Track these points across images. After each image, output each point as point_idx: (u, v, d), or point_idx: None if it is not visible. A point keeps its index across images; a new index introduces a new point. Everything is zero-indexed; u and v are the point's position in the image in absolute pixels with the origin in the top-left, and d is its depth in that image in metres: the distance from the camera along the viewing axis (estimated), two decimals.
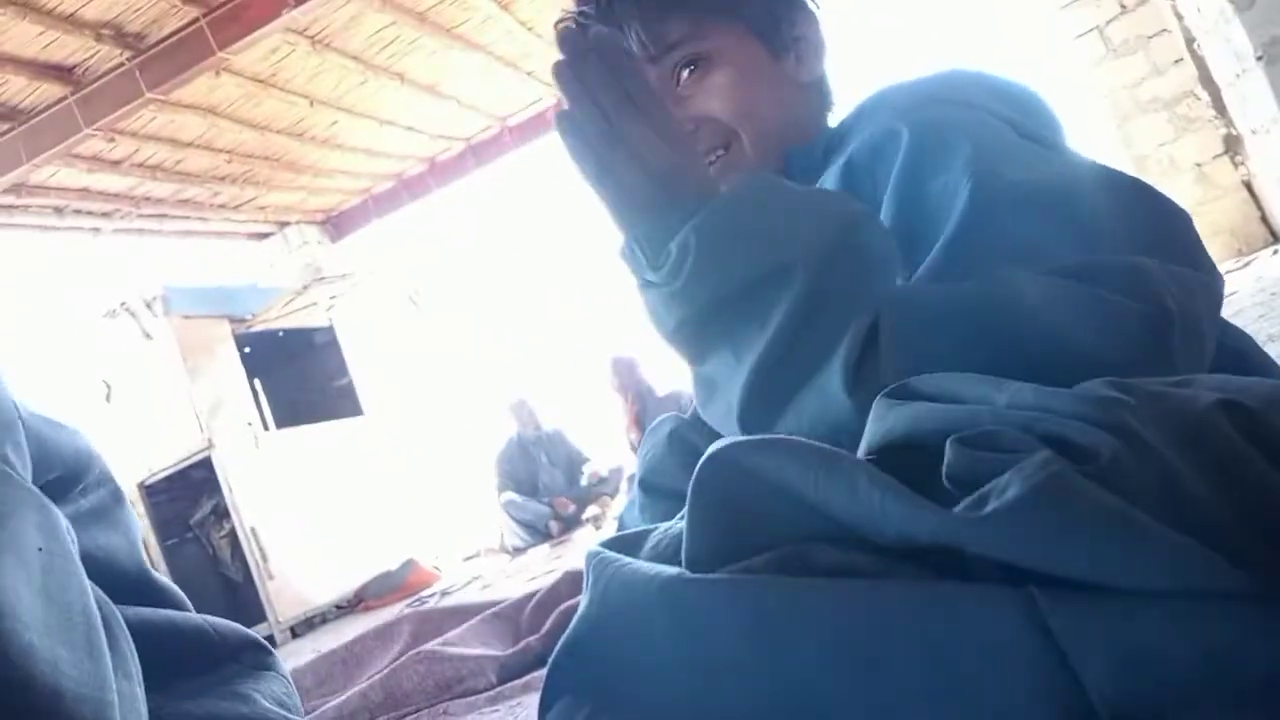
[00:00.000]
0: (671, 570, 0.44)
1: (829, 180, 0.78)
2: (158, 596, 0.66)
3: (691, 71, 0.86)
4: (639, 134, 0.66)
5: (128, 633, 0.50)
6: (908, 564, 0.40)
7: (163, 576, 0.68)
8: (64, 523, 0.49)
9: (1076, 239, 0.63)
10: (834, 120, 0.93)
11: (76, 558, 0.48)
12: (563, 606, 2.06)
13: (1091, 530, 0.35)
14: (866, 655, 0.38)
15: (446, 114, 5.47)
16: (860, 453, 0.51)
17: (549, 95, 5.66)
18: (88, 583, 0.48)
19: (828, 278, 0.61)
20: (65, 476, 0.62)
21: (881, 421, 0.50)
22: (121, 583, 0.64)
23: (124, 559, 0.65)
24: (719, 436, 1.04)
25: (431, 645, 2.03)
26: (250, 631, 0.73)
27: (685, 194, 0.67)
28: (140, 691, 0.49)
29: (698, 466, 0.48)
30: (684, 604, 0.42)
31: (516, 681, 1.85)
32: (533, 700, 1.82)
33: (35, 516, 0.47)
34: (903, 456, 0.46)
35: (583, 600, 0.49)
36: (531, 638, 2.01)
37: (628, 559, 0.48)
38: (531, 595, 2.31)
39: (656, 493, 1.05)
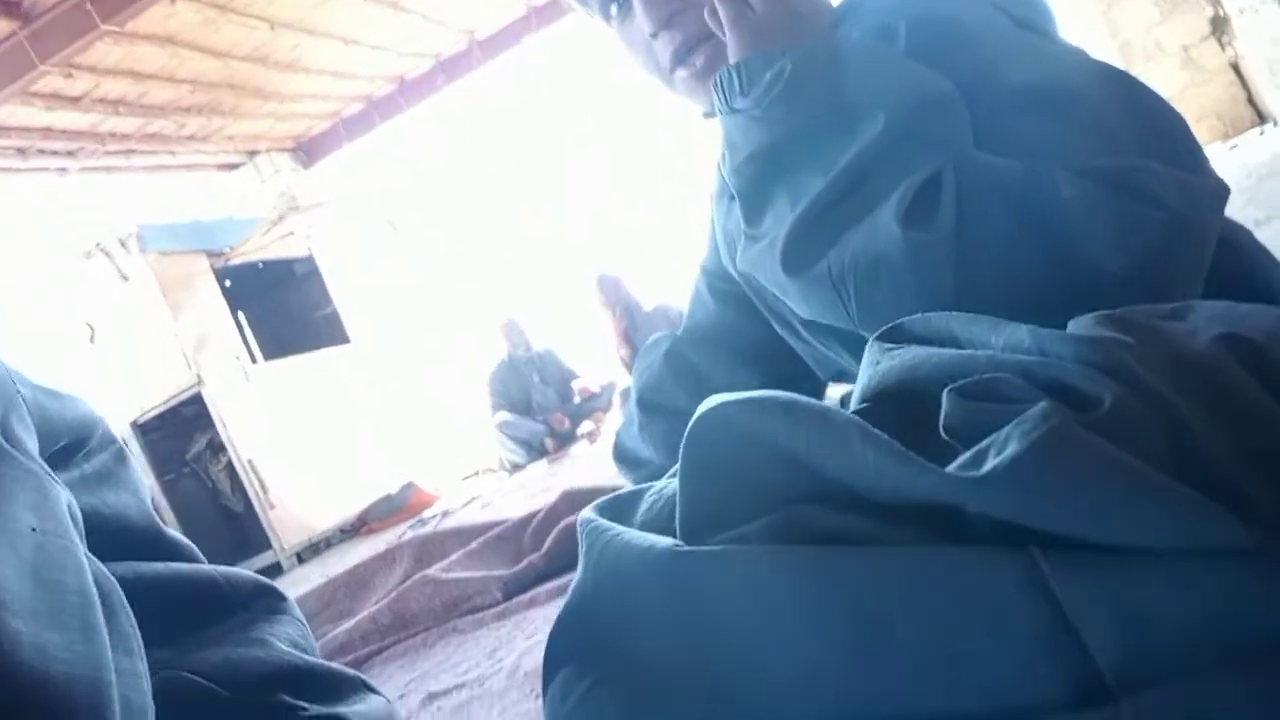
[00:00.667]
0: (665, 542, 0.43)
1: None
2: (170, 551, 0.68)
3: None
4: None
5: (128, 608, 0.50)
6: (905, 525, 0.39)
7: (173, 531, 0.69)
8: (65, 498, 0.49)
9: (1083, 142, 0.63)
10: None
11: (75, 535, 0.48)
12: (562, 524, 2.10)
13: (1094, 488, 0.34)
14: (866, 624, 0.37)
15: (413, 29, 5.30)
16: (855, 399, 0.51)
17: (518, 6, 5.48)
18: (85, 560, 0.48)
19: (907, 128, 0.62)
20: (70, 444, 0.63)
21: (875, 366, 0.50)
22: (133, 539, 0.65)
23: (134, 516, 0.66)
24: (719, 354, 1.05)
25: (436, 570, 2.08)
26: (263, 578, 0.75)
27: (798, 31, 0.69)
28: (143, 666, 0.49)
29: (689, 426, 0.47)
30: (678, 577, 0.42)
31: (521, 597, 1.89)
32: (538, 614, 1.87)
33: (31, 496, 0.47)
34: (898, 404, 0.46)
35: (579, 569, 0.48)
36: (534, 555, 2.05)
37: (620, 528, 0.47)
38: (532, 516, 2.35)
39: (655, 410, 1.07)
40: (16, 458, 0.47)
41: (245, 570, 0.73)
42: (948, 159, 0.60)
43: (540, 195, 7.59)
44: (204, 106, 5.23)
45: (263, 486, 5.05)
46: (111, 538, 0.62)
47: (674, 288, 6.08)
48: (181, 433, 5.38)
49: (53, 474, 0.50)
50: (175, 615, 0.61)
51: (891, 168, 0.61)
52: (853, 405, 0.50)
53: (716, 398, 0.48)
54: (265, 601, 0.71)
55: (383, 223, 6.62)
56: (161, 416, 5.16)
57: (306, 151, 6.38)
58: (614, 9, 0.85)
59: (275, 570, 5.01)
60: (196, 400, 5.04)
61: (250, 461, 5.07)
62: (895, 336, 0.52)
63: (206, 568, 0.69)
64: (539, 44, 5.77)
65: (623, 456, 1.10)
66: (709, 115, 0.90)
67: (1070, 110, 0.65)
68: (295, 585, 4.31)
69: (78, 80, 4.39)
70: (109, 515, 0.63)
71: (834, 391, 1.14)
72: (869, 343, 0.53)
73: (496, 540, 2.31)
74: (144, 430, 5.16)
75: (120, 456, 0.67)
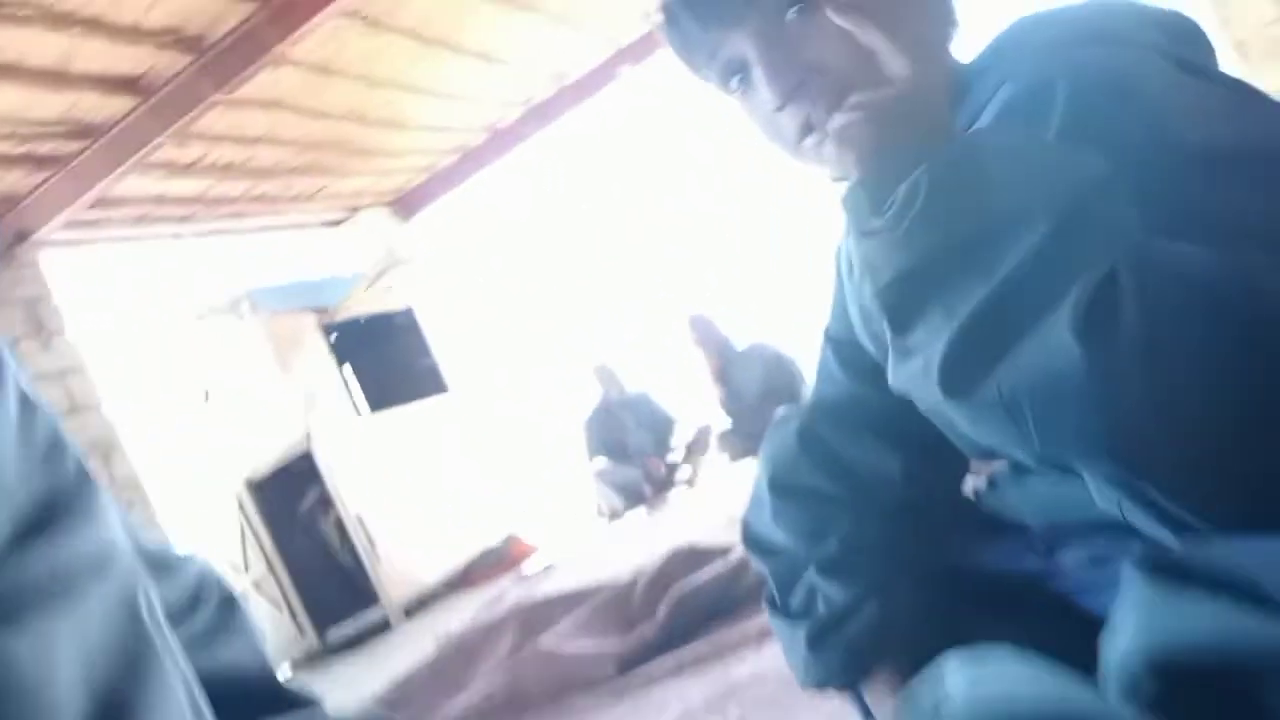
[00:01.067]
0: None
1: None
2: (289, 700, 0.63)
3: (799, 11, 0.76)
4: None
5: None
6: None
7: (292, 682, 0.65)
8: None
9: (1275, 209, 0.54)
10: (963, 55, 0.82)
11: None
12: (675, 591, 2.02)
13: None
14: None
15: (503, 78, 5.38)
16: (1137, 661, 0.42)
17: (606, 49, 5.52)
18: None
19: (1070, 226, 0.55)
20: (184, 603, 0.59)
21: (1161, 617, 0.41)
22: (249, 690, 0.61)
23: (249, 666, 0.62)
24: (856, 432, 0.97)
25: (546, 644, 2.02)
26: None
27: (915, 137, 0.63)
28: None
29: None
30: None
31: (638, 673, 1.82)
32: (655, 693, 1.78)
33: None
34: (1200, 688, 0.38)
35: None
36: (646, 626, 1.97)
37: None
38: (638, 577, 2.28)
39: (789, 494, 0.99)
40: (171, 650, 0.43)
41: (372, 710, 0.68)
42: (1123, 254, 0.52)
43: (631, 236, 7.61)
44: (308, 167, 5.39)
45: (370, 541, 5.11)
46: (226, 691, 0.57)
47: (768, 325, 5.98)
48: (293, 489, 5.50)
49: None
50: None
51: (1059, 271, 0.54)
52: (1138, 669, 0.40)
53: (951, 670, 0.41)
54: None
55: (477, 272, 6.72)
56: (274, 474, 5.29)
57: (405, 205, 6.53)
58: (734, 82, 0.82)
59: (384, 626, 5.05)
60: (307, 456, 5.15)
61: (359, 516, 5.14)
62: (1176, 569, 0.43)
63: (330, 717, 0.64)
64: (628, 84, 5.78)
65: (755, 542, 1.03)
66: (839, 179, 0.85)
67: (1268, 176, 0.56)
68: (406, 642, 4.33)
69: (190, 148, 4.57)
70: (223, 670, 0.59)
71: (977, 468, 1.05)
72: (1137, 569, 0.45)
73: (604, 605, 2.24)
74: (257, 487, 5.30)
75: (232, 604, 0.64)
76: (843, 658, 0.88)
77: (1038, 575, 0.83)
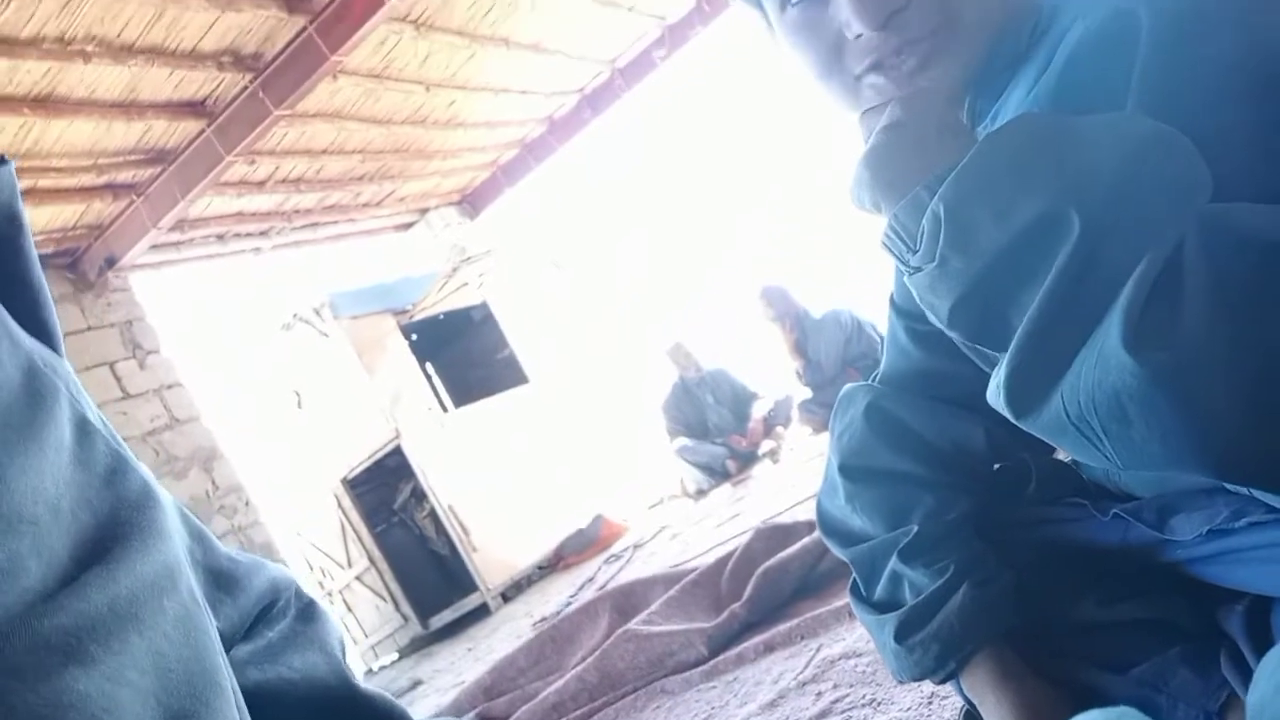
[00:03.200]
0: None
1: (1044, 84, 0.64)
2: (364, 708, 0.64)
3: None
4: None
5: None
6: None
7: (368, 686, 0.66)
8: None
9: None
10: None
11: None
12: (761, 570, 2.01)
13: None
14: None
15: (556, 69, 5.39)
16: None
17: (654, 28, 5.47)
18: None
19: (1112, 217, 0.49)
20: (259, 614, 0.61)
21: None
22: (327, 700, 0.62)
23: (325, 675, 0.63)
24: (932, 404, 0.92)
25: (637, 623, 2.04)
26: None
27: (932, 162, 0.59)
28: None
29: None
30: None
31: (729, 654, 1.81)
32: (748, 674, 1.78)
33: None
34: None
35: None
36: (735, 605, 1.97)
37: None
38: (727, 558, 2.28)
39: (862, 477, 0.94)
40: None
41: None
42: (1188, 231, 0.47)
43: (696, 211, 7.55)
44: (375, 173, 5.51)
45: (464, 530, 5.24)
46: (300, 702, 0.59)
47: (843, 290, 5.87)
48: (387, 484, 5.67)
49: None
50: None
51: (1105, 268, 0.49)
52: None
53: None
54: None
55: (547, 262, 6.77)
56: (368, 471, 5.45)
57: (471, 203, 6.61)
58: None
59: (484, 611, 5.17)
60: (397, 452, 5.29)
61: (451, 507, 5.27)
62: None
63: None
64: (679, 61, 5.73)
65: (832, 529, 0.98)
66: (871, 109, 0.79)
67: None
68: (503, 624, 4.42)
69: (261, 165, 4.72)
70: (297, 679, 0.60)
71: None
72: None
73: (693, 586, 2.25)
74: (353, 485, 5.48)
75: (308, 615, 0.65)
76: (936, 650, 0.81)
77: (1147, 546, 0.76)
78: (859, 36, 0.68)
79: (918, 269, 0.60)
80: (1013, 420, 0.56)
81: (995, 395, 0.57)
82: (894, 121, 0.63)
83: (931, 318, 0.62)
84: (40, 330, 0.51)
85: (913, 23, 0.66)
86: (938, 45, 0.67)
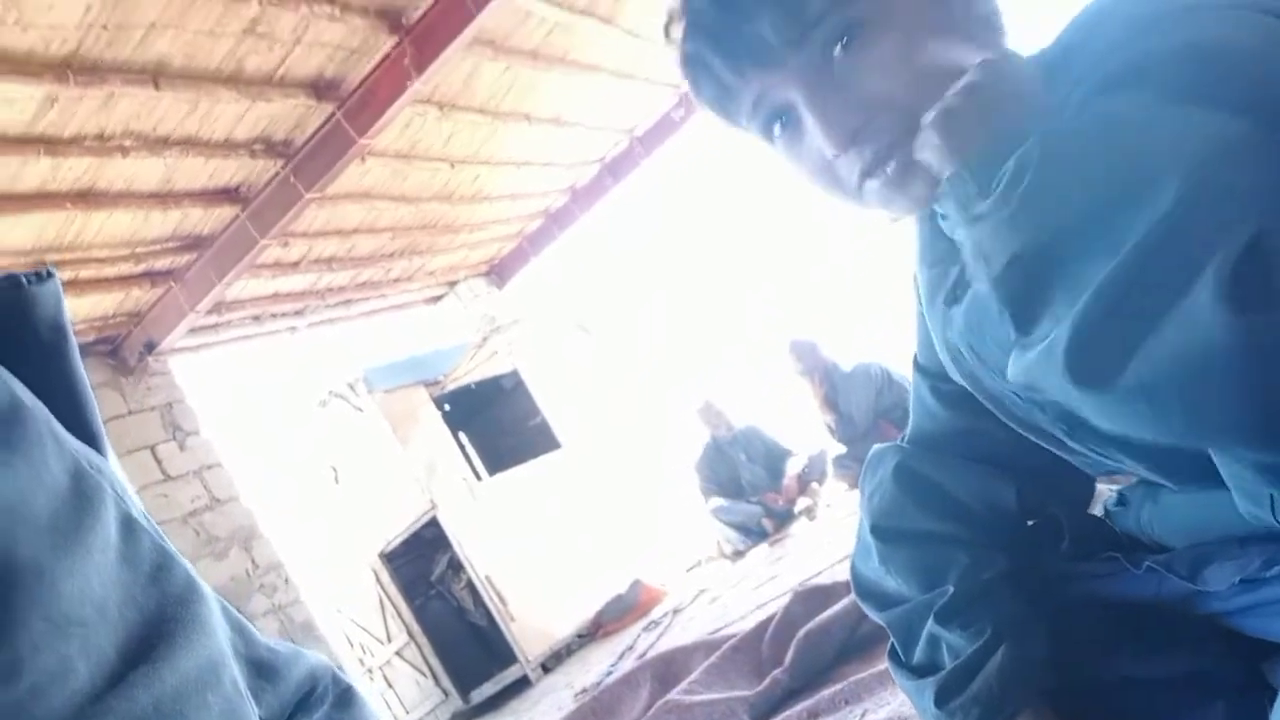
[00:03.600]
0: None
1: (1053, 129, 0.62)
2: None
3: (845, 46, 0.69)
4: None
5: None
6: None
7: None
8: None
9: None
10: (1034, 44, 0.74)
11: None
12: (802, 633, 1.98)
13: None
14: None
15: (576, 140, 5.51)
16: None
17: (669, 97, 5.59)
18: None
19: (1203, 190, 0.50)
20: (298, 702, 0.61)
21: None
22: None
23: None
24: (963, 464, 0.92)
25: (678, 693, 2.01)
26: None
27: (1019, 113, 0.60)
28: None
29: None
30: None
31: None
32: None
33: None
34: None
35: None
36: (777, 671, 1.94)
37: None
38: (766, 622, 2.25)
39: (894, 538, 0.93)
40: None
41: None
42: (1269, 215, 0.48)
43: (719, 271, 7.60)
44: (404, 249, 5.62)
45: (502, 600, 5.21)
46: None
47: (870, 345, 5.86)
48: (424, 556, 5.67)
49: None
50: None
51: (1195, 239, 0.49)
52: None
53: None
54: None
55: (574, 328, 6.83)
56: (405, 543, 5.46)
57: (499, 273, 6.72)
58: (777, 128, 0.75)
59: (524, 684, 5.11)
60: (434, 523, 5.30)
61: (488, 577, 5.25)
62: None
63: None
64: (697, 126, 5.83)
65: (867, 592, 0.97)
66: (897, 220, 0.79)
67: None
68: (544, 696, 4.37)
69: (294, 247, 4.84)
70: None
71: (1104, 487, 0.98)
72: None
73: (734, 652, 2.22)
74: (391, 559, 5.48)
75: (345, 700, 0.65)
76: (977, 713, 0.79)
77: (1182, 599, 0.75)
78: (836, 158, 0.71)
79: (980, 216, 0.59)
80: (1070, 387, 0.54)
81: (1045, 365, 0.55)
82: (971, 84, 0.63)
83: (976, 269, 0.61)
84: (85, 433, 0.53)
85: (877, 134, 0.68)
86: (907, 149, 0.68)
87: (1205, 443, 0.52)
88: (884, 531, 0.95)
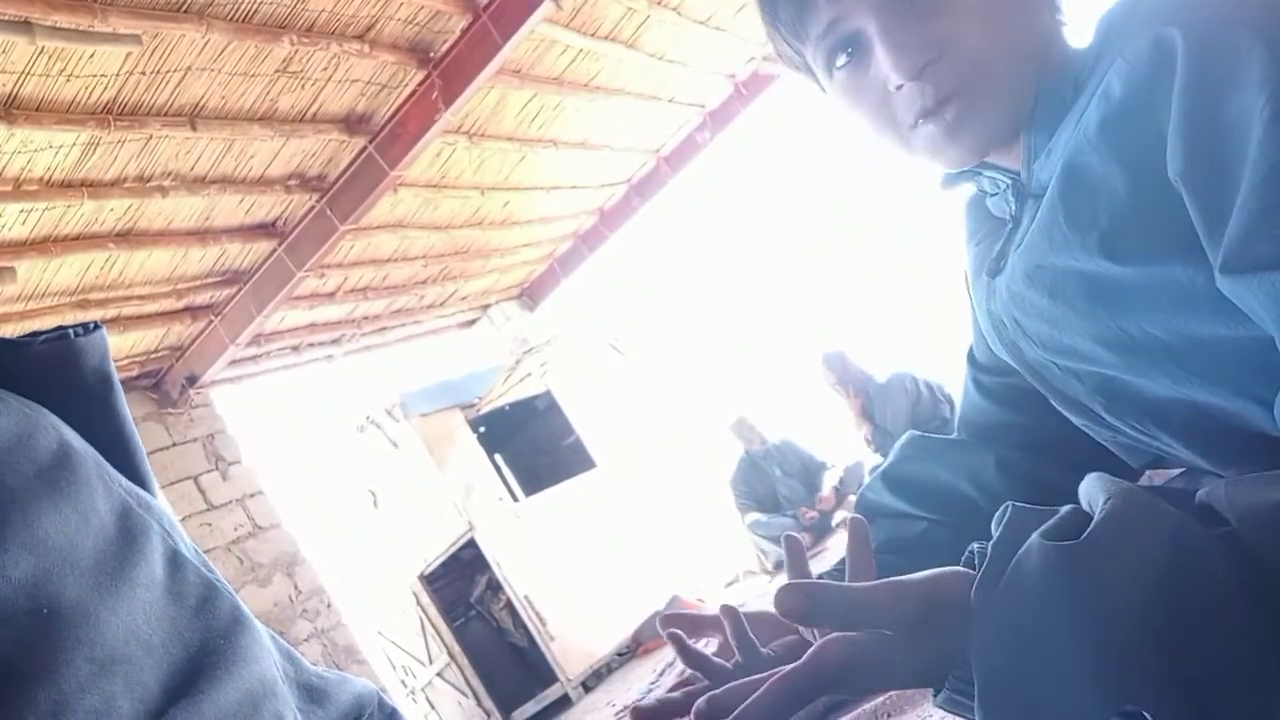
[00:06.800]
0: None
1: (1091, 129, 0.64)
2: None
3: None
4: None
5: None
6: None
7: None
8: None
9: None
10: (1076, 41, 0.74)
11: None
12: None
13: None
14: None
15: (604, 162, 5.57)
16: None
17: (695, 116, 5.63)
18: None
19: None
20: None
21: None
22: None
23: None
24: (940, 452, 0.95)
25: None
26: None
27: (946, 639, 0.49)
28: None
29: None
30: None
31: None
32: None
33: None
34: None
35: None
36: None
37: None
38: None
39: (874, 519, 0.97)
40: None
41: None
42: None
43: (748, 284, 7.61)
44: (437, 275, 5.71)
45: (541, 620, 5.23)
46: None
47: (907, 354, 5.83)
48: (463, 577, 5.72)
49: None
50: None
51: None
52: None
53: None
54: None
55: (606, 347, 6.87)
56: (444, 565, 5.52)
57: (530, 295, 6.79)
58: (842, 58, 0.74)
59: (565, 702, 5.12)
60: (471, 544, 5.35)
61: (527, 596, 5.28)
62: None
63: None
64: (721, 145, 5.87)
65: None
66: (949, 183, 0.82)
67: None
68: (586, 715, 4.37)
69: (330, 278, 4.93)
70: None
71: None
72: None
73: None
74: (430, 581, 5.54)
75: None
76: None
77: None
78: (900, 88, 0.70)
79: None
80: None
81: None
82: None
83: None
84: (134, 477, 0.56)
85: (945, 73, 0.68)
86: (970, 97, 0.69)
87: None
88: (867, 505, 0.98)
